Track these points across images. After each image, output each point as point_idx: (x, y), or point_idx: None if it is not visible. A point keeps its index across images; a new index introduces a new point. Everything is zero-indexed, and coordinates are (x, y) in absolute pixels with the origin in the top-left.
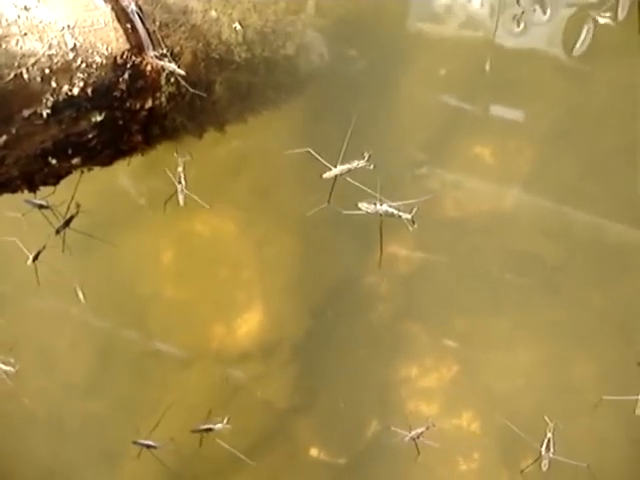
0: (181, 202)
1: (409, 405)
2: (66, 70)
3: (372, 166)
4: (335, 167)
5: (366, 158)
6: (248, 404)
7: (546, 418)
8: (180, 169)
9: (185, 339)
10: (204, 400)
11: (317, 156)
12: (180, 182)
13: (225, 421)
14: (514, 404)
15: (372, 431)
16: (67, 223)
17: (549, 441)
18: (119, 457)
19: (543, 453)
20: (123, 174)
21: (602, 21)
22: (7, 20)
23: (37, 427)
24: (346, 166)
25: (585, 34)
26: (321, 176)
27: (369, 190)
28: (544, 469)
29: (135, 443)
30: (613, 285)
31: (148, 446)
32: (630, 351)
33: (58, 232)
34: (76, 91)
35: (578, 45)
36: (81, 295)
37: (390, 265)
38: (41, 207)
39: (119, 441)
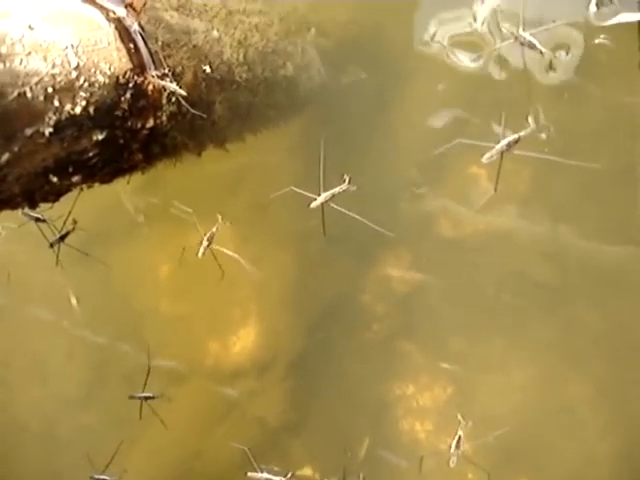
0: (199, 254)
1: (403, 424)
2: (69, 89)
3: (355, 188)
4: (319, 196)
5: (347, 181)
6: (242, 421)
7: (459, 416)
8: (214, 229)
9: (180, 355)
10: (198, 416)
11: (300, 191)
12: (209, 240)
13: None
14: (508, 423)
15: (365, 450)
16: (62, 238)
17: (459, 439)
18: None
19: (452, 450)
20: (122, 191)
21: (597, 41)
22: (12, 39)
23: (29, 438)
24: (329, 192)
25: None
26: (308, 206)
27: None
28: (452, 465)
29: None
30: (609, 306)
31: None
32: (625, 372)
33: (52, 246)
34: (78, 110)
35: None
36: (74, 301)
37: (386, 284)
38: (38, 220)
39: (111, 454)
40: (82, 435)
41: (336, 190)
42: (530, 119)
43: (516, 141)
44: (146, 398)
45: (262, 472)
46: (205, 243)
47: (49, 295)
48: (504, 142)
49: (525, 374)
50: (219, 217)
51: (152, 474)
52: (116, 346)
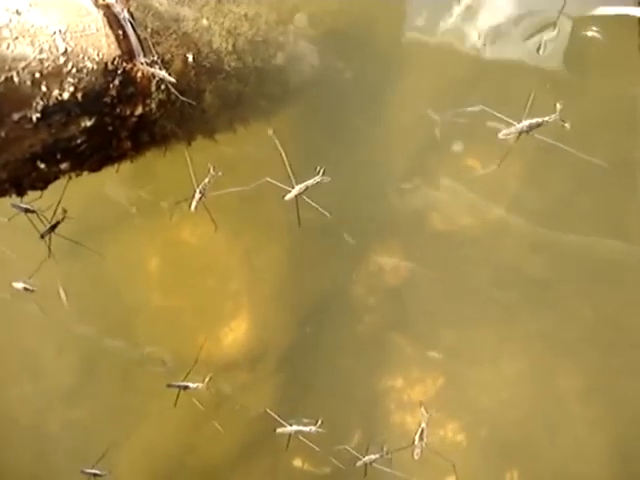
0: (192, 207)
1: (394, 416)
2: (57, 74)
3: (329, 179)
4: (293, 188)
5: (320, 173)
6: (233, 413)
7: (422, 409)
8: (207, 180)
9: (171, 348)
10: (189, 409)
11: (276, 182)
12: (201, 192)
13: (207, 379)
14: (499, 416)
15: (357, 441)
16: (52, 228)
17: (422, 431)
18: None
19: (416, 442)
20: (111, 181)
21: (591, 34)
22: None
23: (21, 433)
24: (304, 184)
25: (575, 47)
26: (283, 197)
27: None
28: (416, 457)
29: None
30: (600, 299)
31: (95, 475)
32: (617, 366)
33: (43, 237)
34: (66, 96)
35: (569, 59)
36: (63, 295)
37: (377, 277)
38: (27, 211)
39: (103, 448)
40: (74, 430)
41: (309, 182)
42: (558, 106)
43: (538, 125)
44: (185, 387)
45: (291, 425)
46: (198, 195)
47: (38, 288)
48: (525, 123)
49: (516, 368)
50: (211, 168)
51: (145, 469)
52: (107, 340)
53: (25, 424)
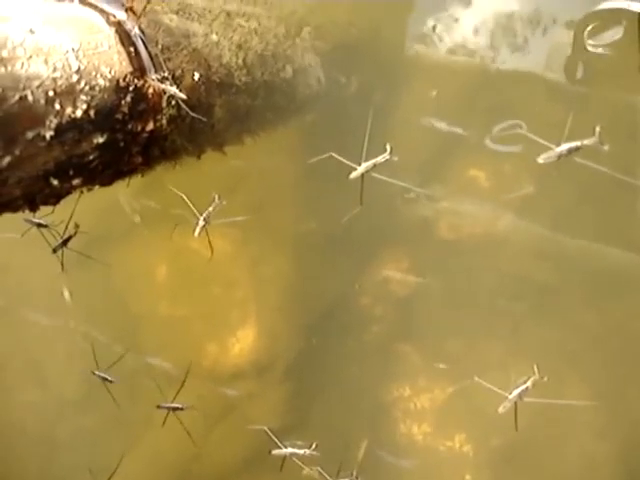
0: (196, 233)
1: (401, 426)
2: (70, 92)
3: (396, 158)
4: (359, 166)
5: (388, 150)
6: (240, 423)
7: (535, 368)
8: (211, 209)
9: (178, 357)
10: (196, 418)
11: (341, 159)
12: (205, 220)
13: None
14: (506, 426)
15: (364, 452)
16: (65, 242)
17: (527, 389)
18: (109, 472)
19: (510, 397)
20: (121, 193)
21: (597, 50)
22: (13, 43)
23: (27, 441)
24: (371, 162)
25: (581, 59)
26: (348, 176)
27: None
28: (500, 411)
29: None
30: (607, 308)
31: None
32: (623, 374)
33: (55, 251)
34: (79, 113)
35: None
36: (67, 295)
37: (384, 286)
38: (40, 226)
39: (110, 456)
40: (81, 439)
41: (378, 159)
42: (597, 129)
43: (577, 148)
44: (174, 409)
45: (286, 447)
46: (201, 223)
47: (47, 297)
48: (565, 147)
49: (523, 376)
50: (215, 196)
51: (150, 478)
52: (114, 348)
53: (31, 433)
